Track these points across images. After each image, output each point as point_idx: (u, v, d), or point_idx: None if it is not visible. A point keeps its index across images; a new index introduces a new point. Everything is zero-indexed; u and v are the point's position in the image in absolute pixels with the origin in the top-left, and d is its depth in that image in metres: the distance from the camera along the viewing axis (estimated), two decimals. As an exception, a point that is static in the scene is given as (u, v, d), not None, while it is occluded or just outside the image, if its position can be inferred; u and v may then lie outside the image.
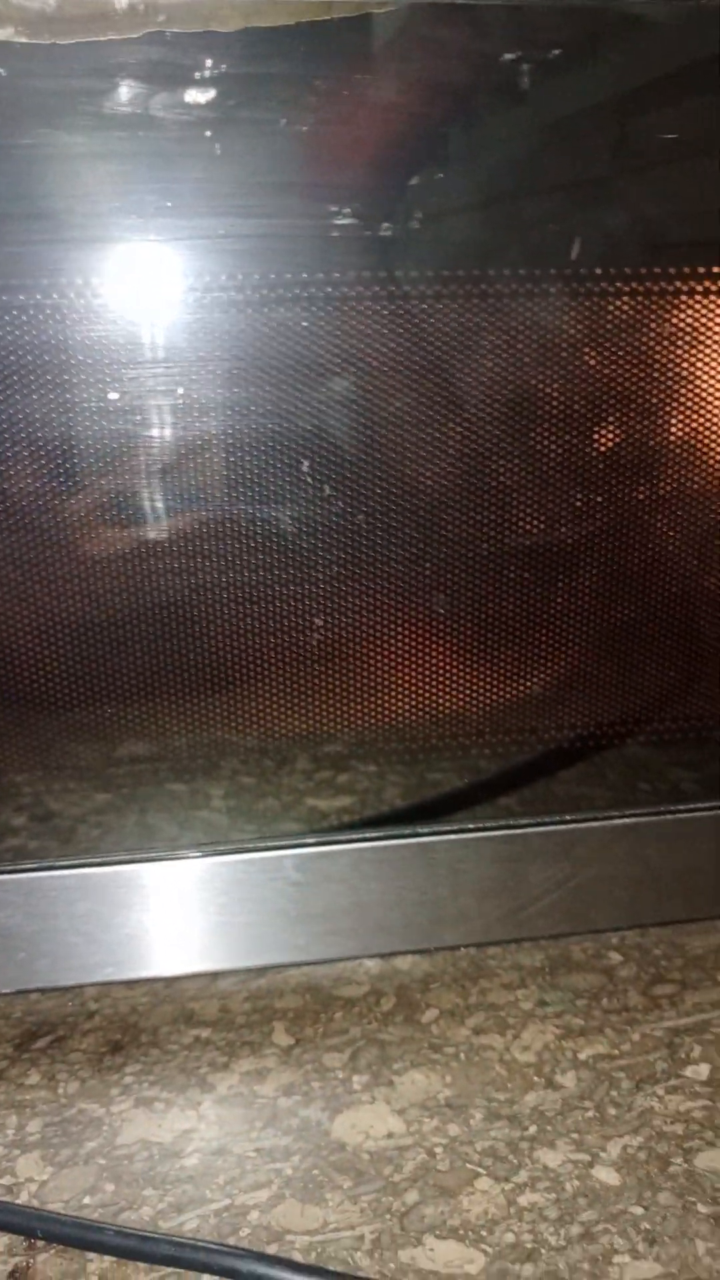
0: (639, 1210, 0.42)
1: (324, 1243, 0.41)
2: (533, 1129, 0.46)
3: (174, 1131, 0.46)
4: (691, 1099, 0.47)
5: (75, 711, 0.50)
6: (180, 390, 0.43)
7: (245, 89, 0.39)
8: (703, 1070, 0.49)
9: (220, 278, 0.42)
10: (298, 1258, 0.40)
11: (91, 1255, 0.40)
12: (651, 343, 0.47)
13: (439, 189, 0.43)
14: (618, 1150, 0.45)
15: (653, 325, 0.47)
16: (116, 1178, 0.44)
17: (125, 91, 0.38)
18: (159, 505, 0.46)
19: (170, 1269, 0.40)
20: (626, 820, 0.53)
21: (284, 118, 0.39)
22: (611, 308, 0.46)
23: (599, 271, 0.45)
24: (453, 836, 0.51)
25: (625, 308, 0.46)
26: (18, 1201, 0.42)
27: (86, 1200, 0.43)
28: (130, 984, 0.55)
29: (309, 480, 0.46)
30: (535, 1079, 0.49)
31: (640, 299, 0.46)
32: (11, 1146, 0.45)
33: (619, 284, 0.45)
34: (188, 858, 0.50)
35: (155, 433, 0.44)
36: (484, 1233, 0.41)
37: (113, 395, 0.43)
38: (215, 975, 0.55)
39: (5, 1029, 0.52)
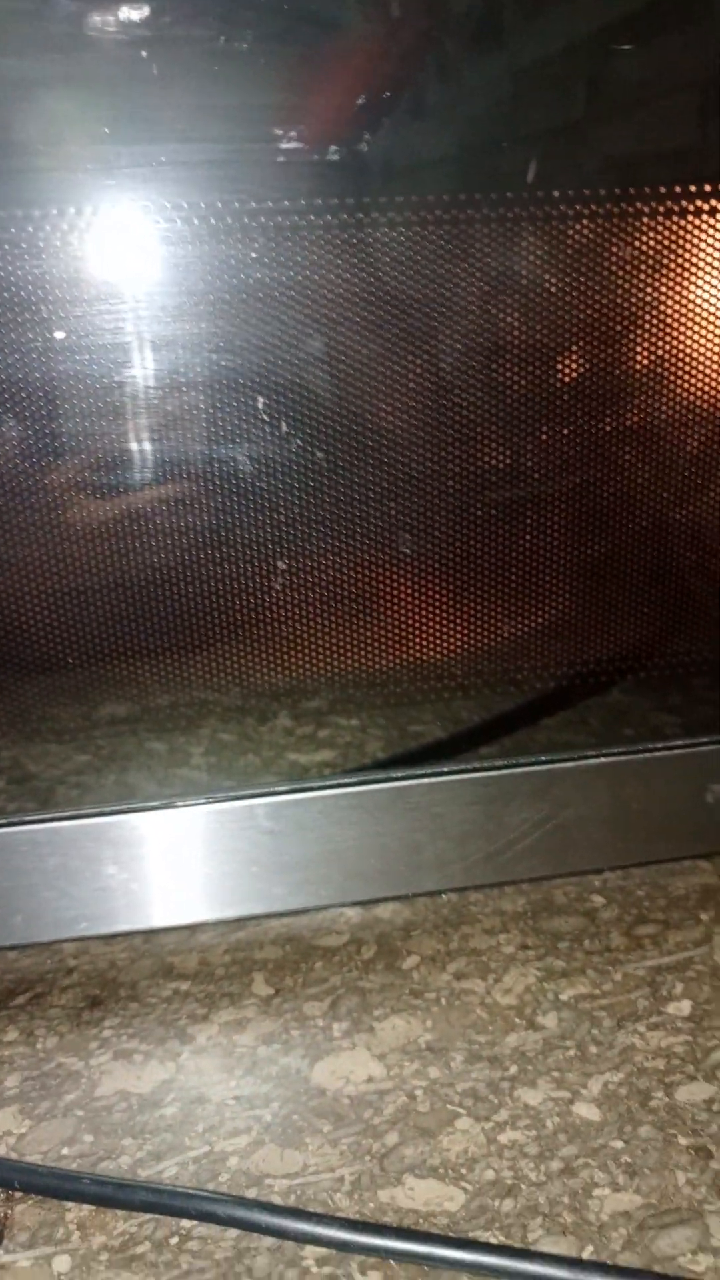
0: (619, 1144, 0.42)
1: (303, 1185, 0.40)
2: (514, 1069, 0.46)
3: (153, 1082, 0.45)
4: (673, 1034, 0.47)
5: (52, 674, 0.49)
6: (127, 328, 0.42)
7: (181, 5, 0.37)
8: (684, 1006, 0.49)
9: (165, 207, 0.41)
10: (276, 1201, 0.40)
11: (70, 1204, 0.40)
12: (615, 268, 0.46)
13: (389, 109, 0.42)
14: (599, 1087, 0.44)
15: (615, 250, 0.46)
16: (95, 1129, 0.43)
17: (57, 10, 0.37)
18: (119, 453, 0.45)
19: (148, 1215, 0.39)
20: (603, 760, 0.52)
21: (222, 35, 0.38)
22: (574, 233, 0.45)
23: (557, 194, 0.44)
24: (429, 780, 0.51)
25: (587, 231, 0.45)
26: (-5, 1155, 0.42)
27: (65, 1151, 0.42)
28: (109, 939, 0.54)
29: (265, 418, 0.45)
30: (517, 1021, 0.48)
31: (602, 221, 0.45)
32: (-10, 1102, 0.45)
33: (579, 207, 0.44)
34: (159, 809, 0.49)
35: (103, 374, 0.43)
36: (464, 1171, 0.41)
37: (58, 334, 0.42)
38: (194, 929, 0.55)
39: (-17, 988, 0.52)
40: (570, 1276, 0.36)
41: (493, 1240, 0.38)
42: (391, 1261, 0.37)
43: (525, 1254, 0.37)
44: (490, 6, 0.42)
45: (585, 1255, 0.37)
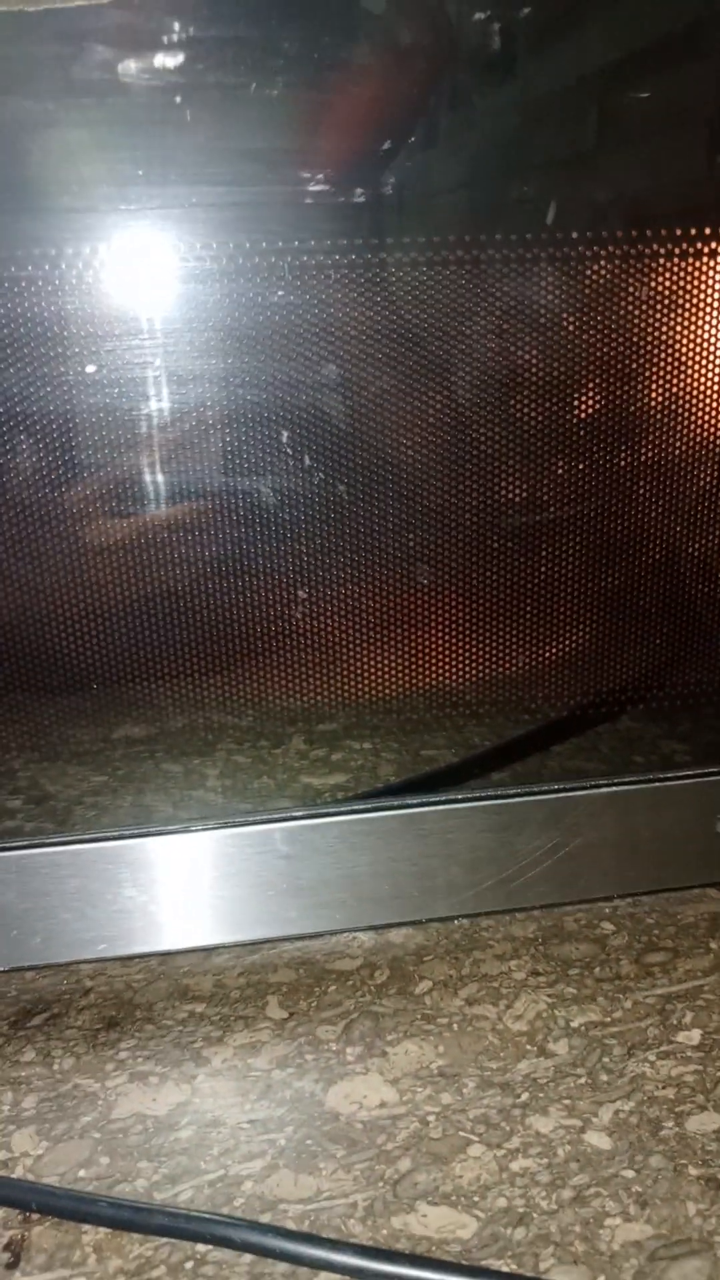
0: (630, 1173, 0.42)
1: (317, 1211, 0.41)
2: (525, 1096, 0.46)
3: (168, 1105, 0.46)
4: (683, 1064, 0.47)
5: (70, 695, 0.50)
6: (157, 363, 0.43)
7: (214, 53, 0.39)
8: (694, 1035, 0.49)
9: (195, 246, 0.42)
10: (291, 1226, 0.40)
11: (86, 1227, 0.41)
12: (631, 308, 0.47)
13: (413, 155, 0.43)
14: (609, 1115, 0.45)
15: (632, 290, 0.47)
16: (111, 1151, 0.44)
17: (93, 57, 0.38)
18: (141, 481, 0.46)
19: (164, 1239, 0.40)
20: (615, 789, 0.53)
21: (254, 82, 0.39)
22: (591, 273, 0.46)
23: (576, 236, 0.45)
24: (442, 807, 0.51)
25: (605, 273, 0.46)
26: (13, 1175, 0.43)
27: (81, 1173, 0.43)
28: (125, 961, 0.55)
29: (289, 451, 0.46)
30: (528, 1047, 0.49)
31: (619, 263, 0.46)
32: (7, 1122, 0.45)
33: (597, 249, 0.45)
34: (177, 833, 0.50)
35: (134, 407, 0.44)
36: (476, 1198, 0.41)
37: (89, 369, 0.43)
38: (210, 951, 0.55)
39: (1, 1007, 0.52)
40: (582, 1306, 0.36)
41: (505, 1269, 0.38)
42: (405, 1288, 0.38)
43: (537, 1283, 0.37)
44: (505, 50, 0.43)
45: (597, 1285, 0.38)
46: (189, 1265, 0.39)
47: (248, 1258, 0.39)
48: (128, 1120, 0.45)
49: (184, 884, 0.50)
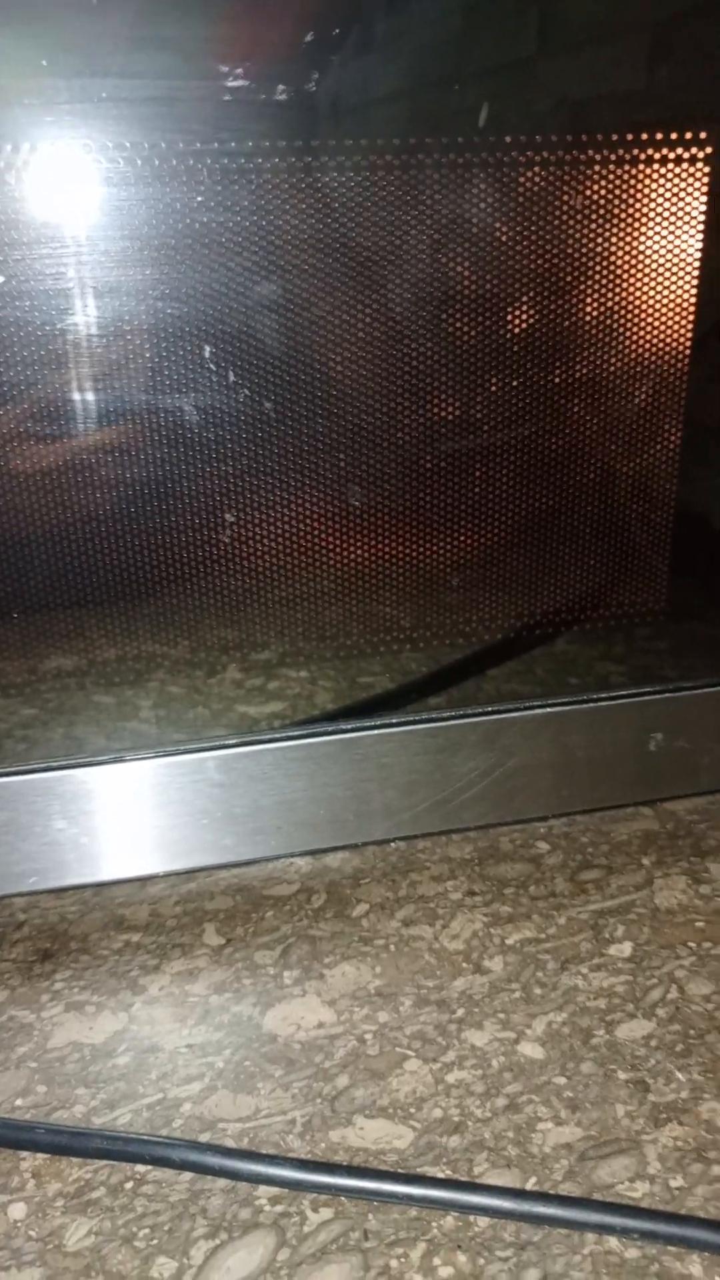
0: (562, 1080, 0.43)
1: (256, 1128, 0.41)
2: (460, 1012, 0.47)
3: (105, 1033, 0.46)
4: (614, 975, 0.49)
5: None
6: (70, 273, 0.41)
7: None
8: (625, 948, 0.50)
9: (107, 146, 0.39)
10: (230, 1144, 0.41)
11: (24, 1154, 0.40)
12: (565, 217, 0.45)
13: (344, 50, 0.41)
14: (543, 1027, 0.46)
15: (566, 199, 0.45)
16: (49, 1079, 0.44)
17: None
18: (59, 400, 0.44)
19: (103, 1162, 0.40)
20: (549, 709, 0.53)
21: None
22: (524, 180, 0.45)
23: (509, 140, 0.43)
24: (377, 731, 0.51)
25: (539, 179, 0.45)
26: (-52, 1107, 0.42)
27: (19, 1102, 0.43)
28: (58, 893, 0.54)
29: (212, 367, 0.44)
30: (464, 965, 0.49)
31: (554, 169, 0.44)
32: (-59, 1056, 0.45)
33: (531, 153, 0.44)
34: (108, 763, 0.49)
35: (49, 319, 0.42)
36: (412, 1110, 0.42)
37: (1, 278, 0.40)
38: (145, 881, 0.55)
39: (-68, 943, 0.51)
40: (514, 1207, 0.37)
41: (440, 1175, 0.39)
42: (343, 1198, 0.38)
43: (471, 1186, 0.38)
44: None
45: (529, 1186, 0.39)
46: (128, 1186, 0.39)
47: (187, 1176, 0.39)
48: (64, 1049, 0.45)
49: (117, 814, 0.49)
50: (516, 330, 0.48)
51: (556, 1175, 0.39)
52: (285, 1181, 0.39)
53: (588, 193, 0.46)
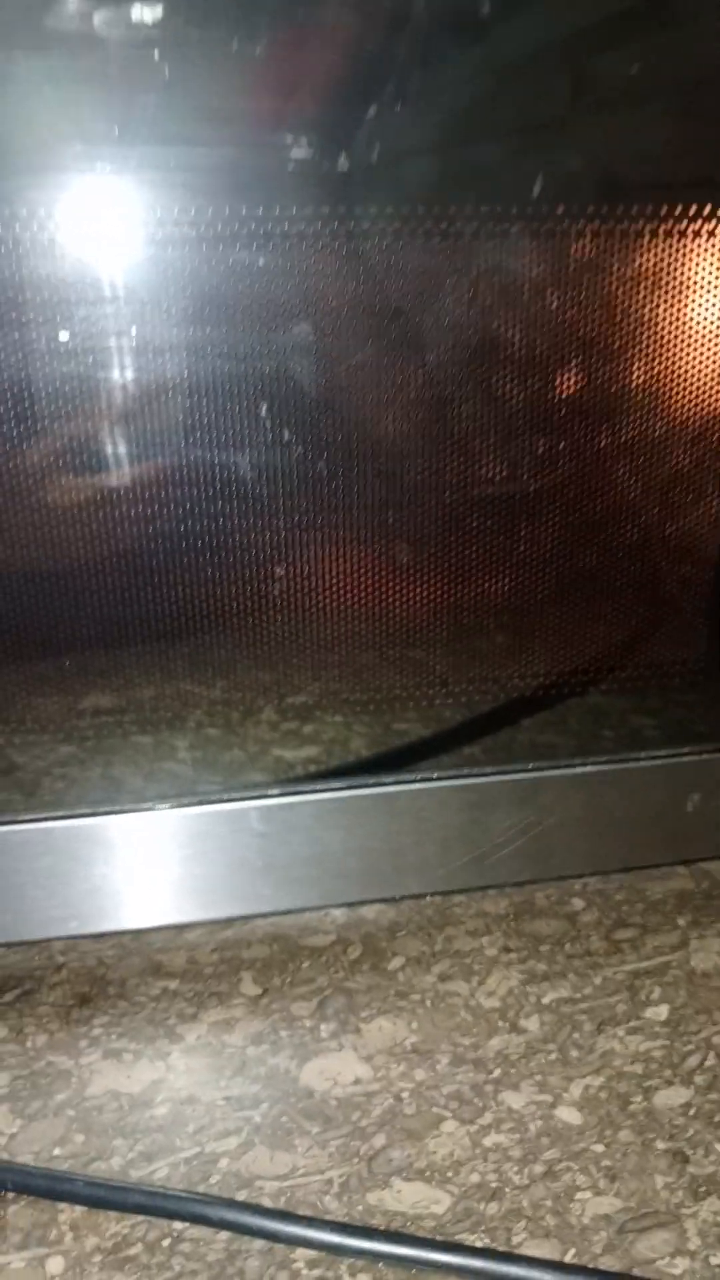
0: (600, 1148, 0.43)
1: (293, 1187, 0.41)
2: (497, 1072, 0.47)
3: (143, 1082, 0.46)
4: (651, 1039, 0.48)
5: (37, 663, 0.49)
6: (134, 331, 0.42)
7: (195, 6, 0.37)
8: (662, 1011, 0.50)
9: (173, 212, 0.40)
10: (267, 1203, 0.40)
11: (63, 1205, 0.41)
12: (614, 285, 0.46)
13: (399, 121, 0.42)
14: (580, 1090, 0.46)
15: (615, 267, 0.46)
16: (86, 1128, 0.44)
17: (67, 7, 0.36)
18: (115, 450, 0.45)
19: (141, 1217, 0.40)
20: (587, 769, 0.53)
21: (236, 38, 0.38)
22: (573, 248, 0.45)
23: (561, 210, 0.44)
24: (416, 785, 0.51)
25: (587, 248, 0.45)
26: (-14, 1155, 0.43)
27: (56, 1151, 0.43)
28: (98, 937, 0.54)
29: (268, 425, 0.45)
30: (500, 1024, 0.49)
31: (602, 239, 0.45)
32: (-21, 1101, 0.45)
33: (581, 223, 0.44)
34: (151, 810, 0.49)
35: (109, 375, 0.43)
36: (450, 1174, 0.42)
37: (63, 336, 0.41)
38: (182, 927, 0.55)
39: (-30, 984, 0.52)
40: None
41: (479, 1243, 0.39)
42: (381, 1265, 0.38)
43: (510, 1257, 0.38)
44: (489, 41, 0.42)
45: (568, 1258, 0.38)
46: (166, 1243, 0.39)
47: (224, 1235, 0.39)
48: (102, 1098, 0.45)
49: (157, 861, 0.49)
50: (563, 392, 0.49)
51: (596, 1248, 0.39)
52: (324, 1245, 0.38)
53: (629, 257, 0.47)
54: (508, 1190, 0.41)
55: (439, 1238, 0.39)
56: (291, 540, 0.48)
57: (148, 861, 0.49)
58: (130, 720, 0.52)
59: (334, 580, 0.50)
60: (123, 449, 0.45)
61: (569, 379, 0.48)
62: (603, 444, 0.49)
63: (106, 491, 0.46)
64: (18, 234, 0.41)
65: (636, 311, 0.48)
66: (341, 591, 0.50)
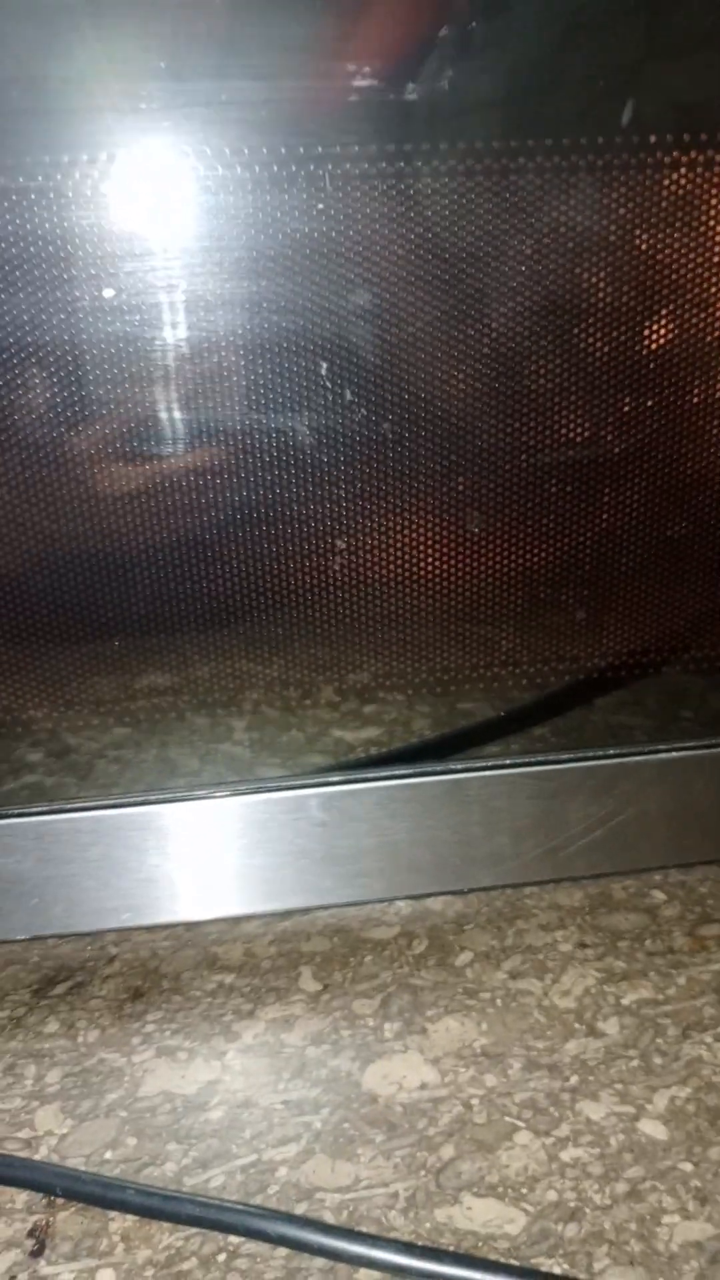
0: (689, 1167, 0.40)
1: (355, 1201, 0.39)
2: (574, 1079, 0.43)
3: (198, 1083, 0.44)
4: (743, 1047, 0.45)
5: (91, 644, 0.47)
6: (184, 285, 0.39)
7: None
8: (754, 1016, 0.46)
9: (224, 152, 0.37)
10: (328, 1218, 0.38)
11: (113, 1214, 0.39)
12: (711, 222, 0.42)
13: (471, 49, 0.38)
14: (665, 1102, 0.42)
15: (713, 202, 0.42)
16: (139, 1131, 0.42)
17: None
18: (165, 418, 0.42)
19: (195, 1229, 0.38)
20: (672, 755, 0.49)
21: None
22: (666, 183, 0.41)
23: (652, 140, 0.40)
24: (486, 773, 0.48)
25: (681, 183, 0.41)
26: (37, 1156, 0.41)
27: (108, 1155, 0.41)
28: (151, 929, 0.52)
29: (329, 385, 0.41)
30: (576, 1026, 0.46)
31: (700, 170, 0.41)
32: (30, 1098, 0.43)
33: (676, 153, 0.40)
34: (206, 798, 0.47)
35: (158, 335, 0.40)
36: (524, 1190, 0.39)
37: (108, 293, 0.38)
38: (239, 919, 0.53)
39: (23, 975, 0.50)
40: (642, 1315, 0.34)
41: (557, 1270, 0.36)
42: (451, 1291, 0.35)
43: (593, 1287, 0.35)
44: None
45: (656, 1290, 0.35)
46: (221, 1258, 0.37)
47: (283, 1251, 0.37)
48: (155, 1099, 0.43)
49: (214, 850, 0.47)
50: (650, 347, 0.45)
51: (686, 1278, 0.36)
52: (389, 1266, 0.36)
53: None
54: (588, 1211, 0.38)
55: (514, 1262, 0.36)
56: (353, 510, 0.45)
57: (203, 851, 0.47)
58: (186, 700, 0.49)
59: (398, 552, 0.46)
60: (173, 415, 0.42)
61: (656, 330, 0.44)
62: (694, 401, 0.45)
63: (156, 462, 0.43)
64: (59, 183, 0.38)
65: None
66: (405, 564, 0.47)
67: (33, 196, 0.36)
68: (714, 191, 0.41)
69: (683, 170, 0.40)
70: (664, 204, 0.41)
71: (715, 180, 0.41)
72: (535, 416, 0.44)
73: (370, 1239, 0.37)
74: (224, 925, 0.53)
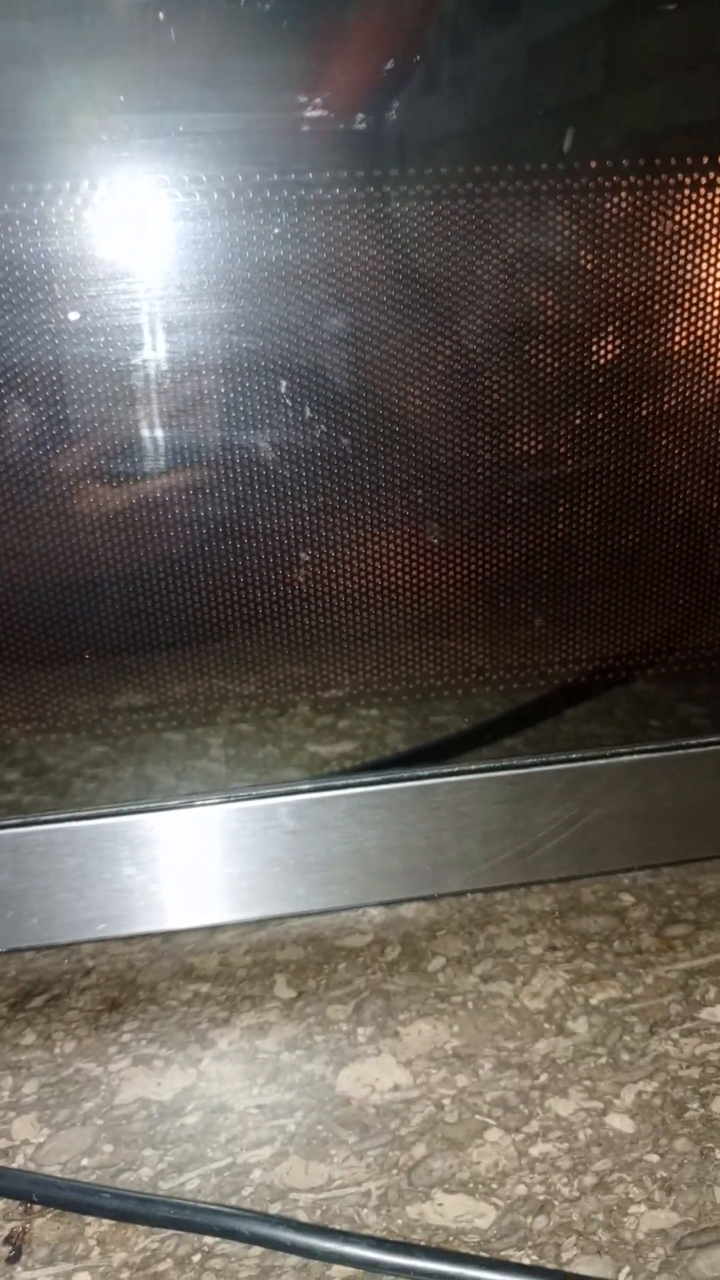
0: (655, 1158, 0.40)
1: (329, 1200, 0.39)
2: (544, 1077, 0.44)
3: (174, 1089, 0.44)
4: (708, 1041, 0.46)
5: (68, 663, 0.48)
6: (145, 309, 0.40)
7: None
8: (718, 1011, 0.47)
9: (201, 179, 0.39)
10: (302, 1217, 0.39)
11: (89, 1218, 0.39)
12: (652, 244, 0.44)
13: (418, 76, 0.39)
14: (632, 1097, 0.43)
15: (653, 224, 0.43)
16: (115, 1138, 0.42)
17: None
18: (139, 438, 0.43)
19: (171, 1231, 0.38)
20: (635, 757, 0.51)
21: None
22: (609, 206, 0.43)
23: (594, 166, 0.42)
24: (455, 778, 0.49)
25: (623, 206, 0.43)
26: (13, 1165, 0.41)
27: (84, 1162, 0.41)
28: (127, 940, 0.53)
29: (298, 404, 0.43)
30: (546, 1026, 0.47)
31: (639, 195, 0.43)
32: (7, 1108, 0.44)
33: (616, 179, 0.42)
34: (180, 808, 0.48)
35: (123, 357, 0.41)
36: (494, 1185, 0.40)
37: (73, 315, 0.40)
38: (214, 929, 0.53)
39: (-1, 989, 0.51)
40: (608, 1301, 0.35)
41: (526, 1260, 0.37)
42: (422, 1283, 0.36)
43: (560, 1275, 0.36)
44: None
45: (622, 1277, 0.36)
46: (196, 1258, 0.37)
47: (257, 1250, 0.38)
48: (131, 1106, 0.44)
49: (187, 861, 0.48)
50: (601, 362, 0.47)
51: (652, 1265, 0.36)
52: (361, 1262, 0.36)
53: (673, 218, 0.44)
54: (556, 1203, 0.39)
55: (483, 1254, 0.37)
56: (317, 524, 0.46)
57: (177, 861, 0.48)
58: (162, 718, 0.50)
59: (364, 567, 0.48)
60: (147, 435, 0.43)
61: (607, 346, 0.46)
62: (645, 414, 0.47)
63: (130, 482, 0.44)
64: (42, 210, 0.39)
65: (677, 272, 0.45)
66: (372, 578, 0.48)
67: (17, 223, 0.38)
68: (650, 215, 0.43)
69: (631, 194, 0.42)
70: (605, 227, 0.43)
71: (663, 204, 0.43)
72: (494, 430, 0.46)
73: (343, 1235, 0.37)
74: (200, 935, 0.53)
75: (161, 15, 0.36)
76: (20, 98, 0.37)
